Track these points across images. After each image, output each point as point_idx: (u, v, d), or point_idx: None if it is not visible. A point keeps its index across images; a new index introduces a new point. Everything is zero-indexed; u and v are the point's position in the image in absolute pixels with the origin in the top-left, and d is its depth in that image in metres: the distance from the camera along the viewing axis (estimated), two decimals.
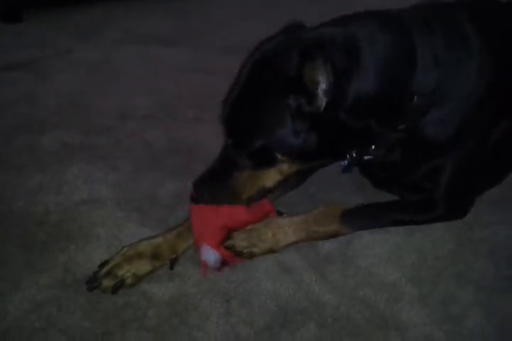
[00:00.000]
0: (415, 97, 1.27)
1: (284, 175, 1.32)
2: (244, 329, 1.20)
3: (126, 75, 2.55)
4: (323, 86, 1.15)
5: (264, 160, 1.28)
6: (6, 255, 1.39)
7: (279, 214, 1.44)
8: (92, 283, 1.27)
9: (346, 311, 1.25)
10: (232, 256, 1.33)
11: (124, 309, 1.24)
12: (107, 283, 1.27)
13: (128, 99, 2.28)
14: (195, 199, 1.34)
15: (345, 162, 1.44)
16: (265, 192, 1.37)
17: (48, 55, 2.77)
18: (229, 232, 1.34)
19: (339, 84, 1.16)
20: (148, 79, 2.51)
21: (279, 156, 1.26)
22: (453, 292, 1.30)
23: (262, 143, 1.24)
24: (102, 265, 1.31)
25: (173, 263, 1.35)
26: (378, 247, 1.42)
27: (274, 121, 1.22)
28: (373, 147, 1.37)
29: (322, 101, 1.17)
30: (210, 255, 1.30)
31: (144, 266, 1.30)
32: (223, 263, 1.33)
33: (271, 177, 1.32)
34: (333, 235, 1.41)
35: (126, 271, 1.28)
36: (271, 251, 1.36)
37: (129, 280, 1.28)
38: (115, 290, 1.27)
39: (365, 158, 1.42)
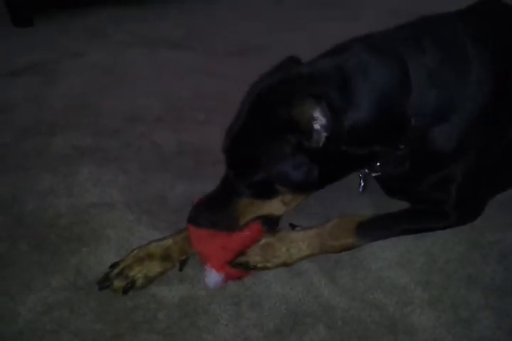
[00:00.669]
0: (412, 120, 1.28)
1: (288, 205, 1.33)
2: (254, 332, 1.20)
3: (135, 78, 2.56)
4: (321, 122, 1.16)
5: (264, 191, 1.28)
6: (18, 257, 1.40)
7: (292, 227, 1.43)
8: (104, 283, 1.29)
9: (356, 314, 1.25)
10: (240, 272, 1.32)
11: (135, 311, 1.25)
12: (118, 283, 1.28)
13: (137, 102, 2.30)
14: (194, 222, 1.31)
15: (361, 182, 1.50)
16: (276, 220, 1.37)
17: (57, 58, 2.80)
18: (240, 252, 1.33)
19: (336, 119, 1.17)
20: (157, 82, 2.52)
21: (279, 188, 1.27)
22: (463, 295, 1.30)
23: (262, 175, 1.25)
24: (113, 266, 1.32)
25: (182, 264, 1.36)
26: (388, 251, 1.42)
27: (273, 155, 1.22)
28: (378, 164, 1.39)
29: (320, 136, 1.18)
30: (212, 278, 1.29)
31: (154, 268, 1.32)
32: (228, 280, 1.31)
33: (274, 207, 1.33)
34: (348, 248, 1.40)
35: (137, 272, 1.30)
36: (284, 264, 1.36)
37: (139, 281, 1.29)
38: (126, 290, 1.28)
39: (373, 175, 1.46)
